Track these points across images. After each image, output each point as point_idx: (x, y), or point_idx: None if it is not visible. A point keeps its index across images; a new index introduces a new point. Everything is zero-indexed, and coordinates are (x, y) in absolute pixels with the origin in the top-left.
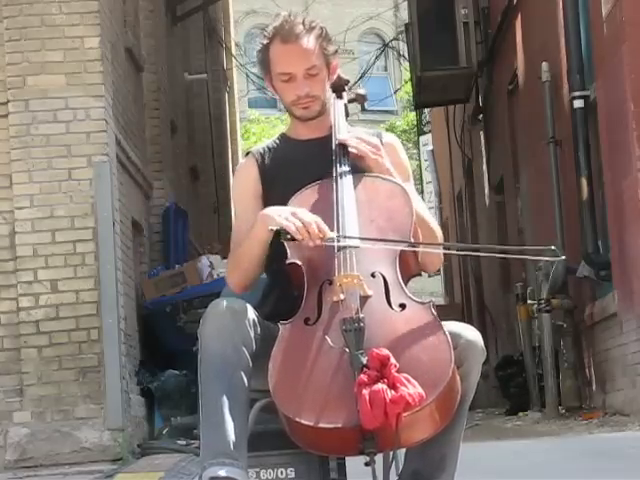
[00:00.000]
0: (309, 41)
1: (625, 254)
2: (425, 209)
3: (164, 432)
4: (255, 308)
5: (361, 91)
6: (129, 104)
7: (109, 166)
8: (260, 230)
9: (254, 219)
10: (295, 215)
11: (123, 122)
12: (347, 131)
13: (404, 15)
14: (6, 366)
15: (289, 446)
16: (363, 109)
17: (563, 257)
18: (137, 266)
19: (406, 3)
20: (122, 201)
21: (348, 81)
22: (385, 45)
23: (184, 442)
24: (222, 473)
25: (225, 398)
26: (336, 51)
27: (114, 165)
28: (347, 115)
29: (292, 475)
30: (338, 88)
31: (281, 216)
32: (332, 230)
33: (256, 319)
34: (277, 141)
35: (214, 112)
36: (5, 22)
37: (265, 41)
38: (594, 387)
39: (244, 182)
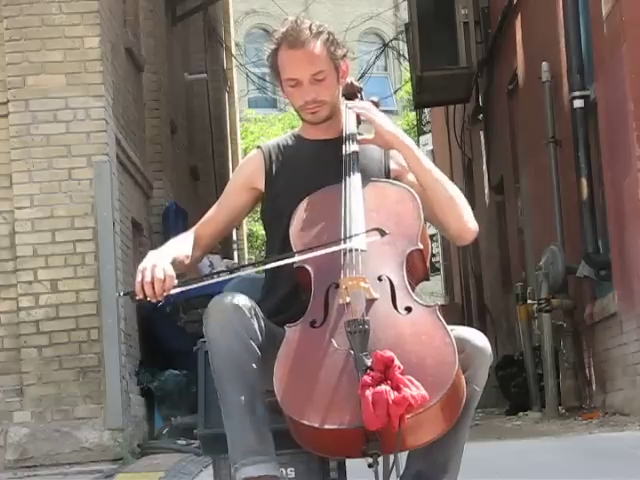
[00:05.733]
0: (315, 46)
1: (625, 254)
2: (439, 173)
3: (164, 432)
4: (258, 303)
5: (374, 98)
6: (129, 104)
7: (109, 166)
8: None
9: (226, 209)
10: (150, 270)
11: (123, 122)
12: (358, 136)
13: (404, 15)
14: (6, 366)
15: (289, 446)
16: None
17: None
18: (137, 266)
19: (406, 3)
20: (122, 201)
21: (361, 88)
22: (385, 45)
23: (184, 442)
24: (256, 472)
25: (242, 396)
26: (345, 54)
27: (114, 165)
28: (359, 122)
29: (292, 475)
30: (351, 95)
31: (139, 266)
32: (340, 234)
33: (257, 310)
34: (289, 139)
35: (214, 112)
36: (5, 22)
37: (273, 47)
38: (594, 387)
39: (240, 171)
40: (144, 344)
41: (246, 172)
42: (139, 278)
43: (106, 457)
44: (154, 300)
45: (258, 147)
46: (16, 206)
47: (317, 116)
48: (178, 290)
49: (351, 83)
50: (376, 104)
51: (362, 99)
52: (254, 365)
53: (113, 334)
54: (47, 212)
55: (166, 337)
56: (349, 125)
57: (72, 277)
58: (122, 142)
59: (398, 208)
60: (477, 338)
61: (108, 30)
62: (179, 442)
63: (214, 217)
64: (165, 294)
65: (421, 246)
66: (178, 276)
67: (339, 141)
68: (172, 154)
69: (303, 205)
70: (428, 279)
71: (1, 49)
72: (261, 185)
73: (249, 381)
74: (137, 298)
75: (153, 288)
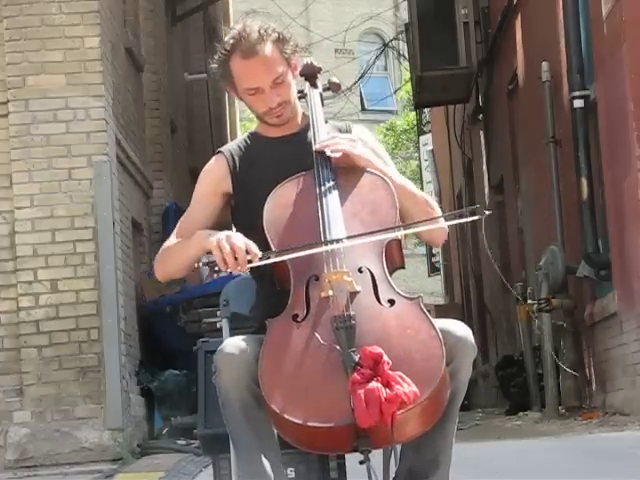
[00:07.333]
0: (268, 51)
1: (625, 254)
2: (409, 184)
3: (164, 432)
4: (252, 310)
5: (334, 79)
6: (129, 104)
7: (109, 166)
8: (194, 247)
9: (202, 215)
10: (226, 241)
11: (123, 122)
12: (323, 123)
13: (404, 15)
14: (6, 366)
15: (289, 446)
16: (363, 109)
17: (487, 212)
18: (137, 266)
19: (406, 3)
20: (122, 201)
21: (320, 69)
22: (385, 45)
23: (184, 442)
24: None
25: (255, 443)
26: (295, 49)
27: (114, 165)
28: (322, 104)
29: (292, 475)
30: (311, 77)
31: (212, 241)
32: (318, 226)
33: (257, 346)
34: (248, 140)
35: (214, 112)
36: (5, 22)
37: (223, 56)
38: (594, 387)
39: (207, 179)
40: (144, 344)
41: (213, 178)
42: (217, 252)
43: (106, 457)
44: (236, 271)
45: (218, 152)
46: (16, 206)
47: (282, 118)
48: (261, 263)
49: (311, 63)
50: (337, 86)
51: (319, 78)
52: (265, 412)
53: (113, 334)
54: (47, 212)
55: (166, 337)
56: (316, 110)
57: (72, 277)
58: (122, 142)
59: (372, 196)
60: (459, 329)
61: (108, 30)
62: (179, 442)
63: (190, 228)
64: (248, 265)
65: (399, 236)
66: (179, 280)
67: (301, 134)
68: (172, 154)
69: (275, 194)
70: (404, 267)
71: (1, 49)
72: (230, 189)
73: (260, 427)
74: (216, 270)
75: (236, 259)
